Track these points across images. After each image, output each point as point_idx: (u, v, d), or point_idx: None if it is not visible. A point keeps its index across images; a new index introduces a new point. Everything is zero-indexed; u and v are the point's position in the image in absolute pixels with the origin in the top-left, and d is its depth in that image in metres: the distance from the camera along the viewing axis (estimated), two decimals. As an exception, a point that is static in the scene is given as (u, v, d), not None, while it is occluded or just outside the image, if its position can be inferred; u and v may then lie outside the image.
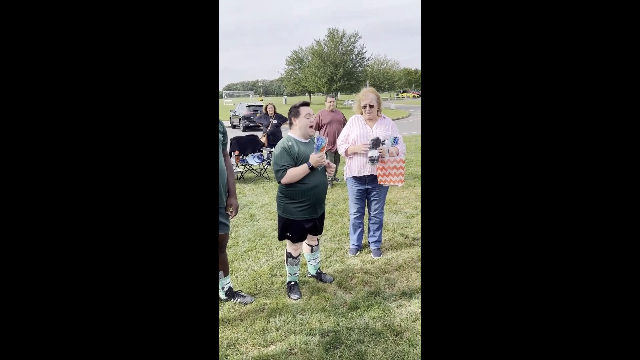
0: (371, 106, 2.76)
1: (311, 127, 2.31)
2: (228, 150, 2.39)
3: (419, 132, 12.56)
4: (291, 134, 2.34)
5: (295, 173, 2.26)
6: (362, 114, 2.84)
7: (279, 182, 2.32)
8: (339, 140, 2.95)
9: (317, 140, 2.24)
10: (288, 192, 2.35)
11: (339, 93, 36.38)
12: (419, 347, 2.01)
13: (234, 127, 17.00)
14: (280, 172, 2.26)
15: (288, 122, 2.38)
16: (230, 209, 2.30)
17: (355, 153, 2.81)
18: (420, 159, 7.28)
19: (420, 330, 2.13)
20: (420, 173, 6.14)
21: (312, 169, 2.27)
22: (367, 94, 2.77)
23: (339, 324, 2.20)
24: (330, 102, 5.10)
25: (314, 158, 2.25)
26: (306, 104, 2.32)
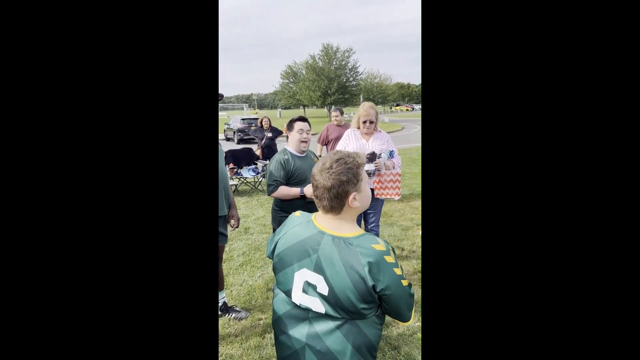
0: (371, 122, 2.79)
1: (304, 142, 2.29)
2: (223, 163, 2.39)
3: (413, 144, 12.69)
4: (287, 147, 2.35)
5: (286, 192, 2.24)
6: (359, 127, 2.87)
7: (269, 195, 2.32)
8: (334, 154, 2.96)
9: None
10: (284, 206, 2.34)
11: (333, 106, 36.77)
12: (417, 362, 1.98)
13: (227, 139, 17.02)
14: (272, 186, 2.25)
15: (286, 135, 2.39)
16: (232, 221, 2.29)
17: None
18: (414, 171, 7.33)
19: (418, 344, 2.11)
20: (415, 185, 6.17)
21: (303, 197, 2.24)
22: (368, 110, 2.79)
23: (335, 339, 2.17)
24: (335, 116, 4.59)
25: (309, 192, 2.22)
26: (302, 119, 2.32)
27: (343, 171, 0.98)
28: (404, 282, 0.97)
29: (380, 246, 0.96)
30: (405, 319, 1.01)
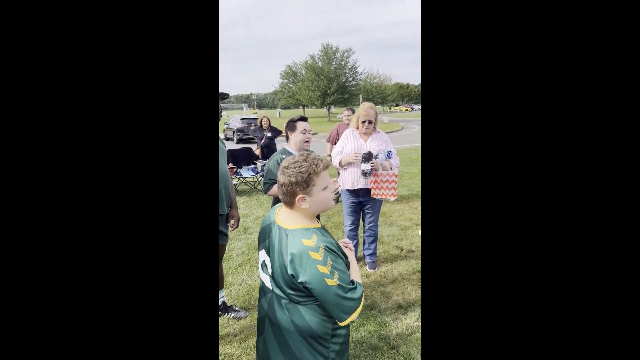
0: (370, 122, 2.80)
1: (307, 142, 2.31)
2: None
3: (412, 145, 12.69)
4: (287, 147, 2.36)
5: None
6: (358, 127, 2.88)
7: (265, 193, 2.32)
8: (333, 153, 2.97)
9: None
10: (282, 205, 2.35)
11: (332, 106, 36.69)
12: (416, 361, 1.99)
13: (227, 139, 17.02)
14: (267, 184, 2.27)
15: (285, 135, 2.39)
16: (232, 221, 2.30)
17: (349, 164, 2.83)
18: (413, 171, 7.33)
19: (417, 344, 2.11)
20: (414, 186, 6.18)
21: None
22: (368, 110, 2.80)
23: (334, 339, 2.17)
24: (346, 115, 4.51)
25: None
26: (304, 119, 2.33)
27: (294, 173, 1.08)
28: (330, 282, 1.01)
29: (309, 242, 1.04)
30: (337, 318, 1.07)
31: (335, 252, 1.07)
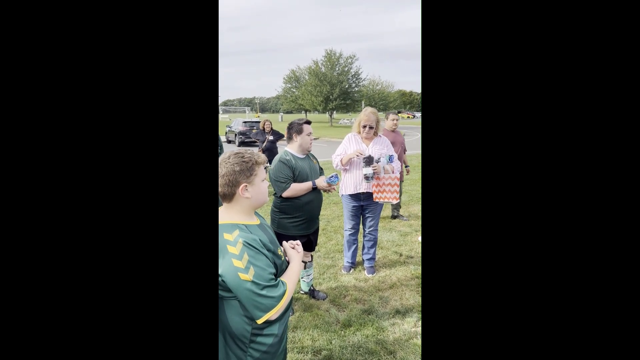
0: (370, 127, 2.82)
1: (311, 143, 2.38)
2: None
3: (413, 152, 12.70)
4: (289, 149, 2.37)
5: (299, 188, 2.30)
6: (359, 132, 2.89)
7: (280, 196, 2.32)
8: (333, 155, 2.97)
9: (333, 176, 2.35)
10: (283, 207, 2.35)
11: (334, 112, 36.72)
12: (413, 367, 1.97)
13: (229, 142, 17.09)
14: (285, 184, 2.28)
15: (287, 137, 2.41)
16: None
17: (350, 164, 2.84)
18: (414, 178, 7.33)
19: (414, 350, 2.10)
20: (414, 192, 6.18)
21: (315, 189, 2.35)
22: (369, 115, 2.83)
23: (331, 342, 2.16)
24: (393, 120, 4.09)
25: (322, 184, 2.33)
26: (308, 122, 2.38)
27: (238, 162, 1.12)
28: (243, 277, 1.02)
29: (229, 236, 1.06)
30: (253, 316, 1.06)
31: (257, 249, 1.06)
